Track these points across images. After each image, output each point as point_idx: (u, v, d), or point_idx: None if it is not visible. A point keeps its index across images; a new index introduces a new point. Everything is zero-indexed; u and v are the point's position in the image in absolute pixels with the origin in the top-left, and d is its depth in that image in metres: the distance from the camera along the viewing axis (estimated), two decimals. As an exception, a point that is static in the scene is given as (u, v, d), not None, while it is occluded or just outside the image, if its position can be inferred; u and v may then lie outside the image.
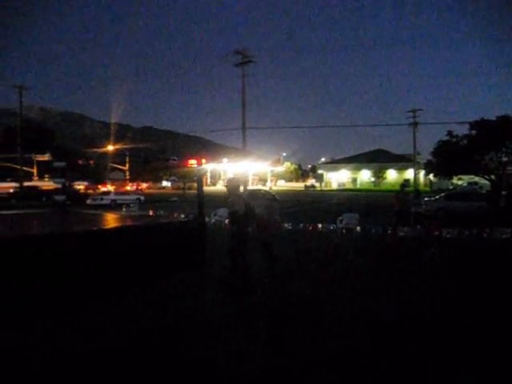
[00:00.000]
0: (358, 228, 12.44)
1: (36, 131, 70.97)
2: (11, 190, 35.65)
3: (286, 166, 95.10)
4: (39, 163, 60.97)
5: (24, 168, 48.71)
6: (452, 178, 37.66)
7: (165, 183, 72.37)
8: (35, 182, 48.62)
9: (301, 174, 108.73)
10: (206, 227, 8.44)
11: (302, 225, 13.15)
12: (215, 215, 15.02)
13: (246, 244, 5.64)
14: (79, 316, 4.91)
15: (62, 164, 10.19)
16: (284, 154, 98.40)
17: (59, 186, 10.13)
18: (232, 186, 5.79)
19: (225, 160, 73.86)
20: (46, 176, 56.93)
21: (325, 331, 4.50)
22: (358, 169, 72.39)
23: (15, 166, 50.24)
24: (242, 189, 5.34)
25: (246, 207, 5.51)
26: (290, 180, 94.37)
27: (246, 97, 31.23)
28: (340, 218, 12.92)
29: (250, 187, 40.17)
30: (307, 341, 4.21)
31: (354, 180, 73.01)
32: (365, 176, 72.48)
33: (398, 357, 3.88)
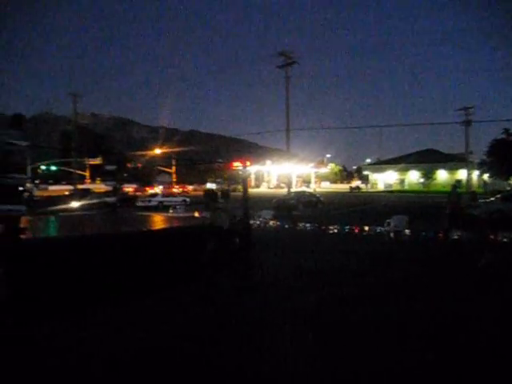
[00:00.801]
0: (407, 231, 11.97)
1: (88, 136, 74.63)
2: (67, 193, 37.58)
3: (330, 168, 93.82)
4: (91, 167, 63.96)
5: (78, 171, 51.26)
6: (509, 179, 35.53)
7: (209, 185, 73.59)
8: (88, 185, 51.05)
9: (345, 175, 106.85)
10: (251, 228, 8.43)
11: (347, 227, 12.85)
12: (259, 216, 15.03)
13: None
14: (141, 311, 5.02)
15: (113, 167, 10.56)
16: (328, 155, 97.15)
17: (110, 188, 10.50)
18: (209, 198, 5.13)
19: (268, 162, 73.98)
20: (98, 179, 59.63)
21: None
22: (406, 169, 69.90)
23: (70, 169, 52.99)
24: (219, 197, 4.82)
25: (230, 222, 4.90)
26: (335, 181, 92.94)
27: (290, 98, 31.07)
28: (388, 220, 12.50)
29: (293, 189, 39.92)
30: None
31: (402, 181, 70.63)
32: (413, 177, 69.92)
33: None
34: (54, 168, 61.03)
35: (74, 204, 22.31)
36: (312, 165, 76.07)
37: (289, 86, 30.99)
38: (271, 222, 14.32)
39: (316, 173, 79.99)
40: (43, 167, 61.72)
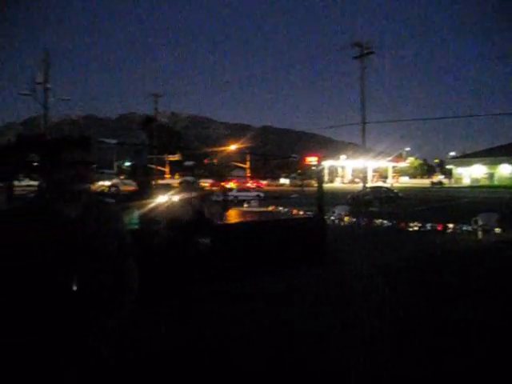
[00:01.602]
0: (498, 229, 10.99)
1: (168, 134, 78.68)
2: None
3: (409, 162, 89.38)
4: (171, 163, 67.27)
5: (158, 167, 54.27)
6: None
7: (283, 180, 73.79)
8: (167, 180, 53.79)
9: (426, 169, 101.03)
10: (326, 224, 8.29)
11: (429, 225, 12.11)
12: (334, 212, 14.74)
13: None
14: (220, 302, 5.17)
15: (191, 163, 10.96)
16: (407, 149, 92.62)
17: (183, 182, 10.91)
18: (185, 189, 4.90)
19: (342, 156, 72.36)
20: (177, 174, 62.63)
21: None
22: (497, 163, 64.05)
23: (151, 165, 56.26)
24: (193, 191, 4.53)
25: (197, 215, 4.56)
26: (414, 176, 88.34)
27: (366, 89, 30.01)
28: (475, 218, 11.58)
29: (369, 184, 38.60)
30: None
31: (491, 176, 64.89)
32: (505, 171, 63.90)
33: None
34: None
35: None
36: (389, 159, 73.00)
37: (364, 77, 29.96)
38: (346, 218, 13.96)
39: (394, 167, 76.68)
40: (127, 163, 66.27)
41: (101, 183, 45.99)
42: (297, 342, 4.08)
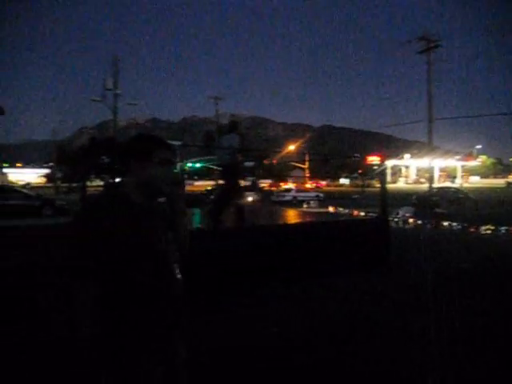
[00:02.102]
0: None
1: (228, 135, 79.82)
2: (209, 188, 41.01)
3: (480, 160, 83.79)
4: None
5: (218, 168, 55.41)
6: None
7: (343, 181, 72.33)
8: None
9: (501, 169, 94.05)
10: (389, 226, 7.96)
11: (504, 228, 11.24)
12: (398, 213, 14.17)
13: None
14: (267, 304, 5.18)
15: (251, 164, 11.05)
16: (478, 147, 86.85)
17: (249, 183, 11.05)
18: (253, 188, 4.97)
19: (406, 155, 69.45)
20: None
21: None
22: None
23: (211, 166, 57.67)
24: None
25: None
26: (486, 176, 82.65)
27: (433, 85, 28.52)
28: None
29: (435, 184, 36.71)
30: None
31: None
32: None
33: None
34: (198, 165, 67.21)
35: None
36: (458, 157, 68.92)
37: (431, 72, 28.50)
38: (411, 220, 13.35)
39: (463, 166, 72.23)
40: (189, 164, 68.34)
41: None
42: (361, 349, 3.94)
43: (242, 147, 6.98)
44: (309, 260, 6.39)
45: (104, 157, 28.02)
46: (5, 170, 69.08)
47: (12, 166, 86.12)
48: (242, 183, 7.17)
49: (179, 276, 1.69)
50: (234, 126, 7.23)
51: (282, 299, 5.44)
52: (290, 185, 42.30)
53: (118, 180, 1.70)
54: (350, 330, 4.43)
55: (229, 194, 6.60)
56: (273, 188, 41.84)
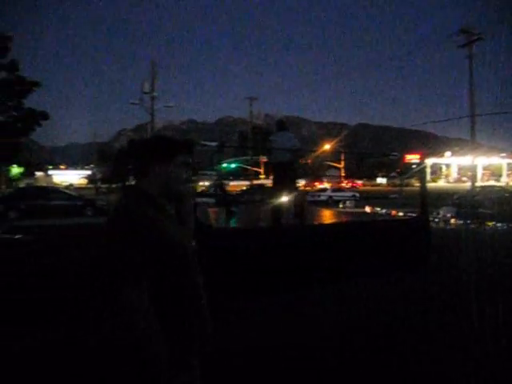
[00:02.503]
0: None
1: (262, 135, 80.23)
2: (244, 188, 41.22)
3: (527, 158, 79.55)
4: (265, 163, 68.48)
5: (253, 168, 55.72)
6: None
7: (380, 180, 70.81)
8: (263, 181, 54.94)
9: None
10: (429, 226, 7.70)
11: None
12: (439, 214, 13.70)
13: None
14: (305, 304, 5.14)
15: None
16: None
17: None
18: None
19: (447, 153, 67.12)
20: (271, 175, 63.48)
21: None
22: None
23: (246, 166, 58.00)
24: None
25: None
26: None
27: (475, 80, 27.34)
28: None
29: (479, 183, 35.24)
30: None
31: None
32: None
33: None
34: (233, 165, 67.78)
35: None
36: (503, 155, 65.80)
37: (472, 66, 27.36)
38: (453, 220, 12.87)
39: (509, 164, 68.92)
40: (224, 165, 69.03)
41: (201, 183, 48.80)
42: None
43: (247, 146, 7.14)
44: (345, 260, 6.28)
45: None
46: (50, 172, 72.35)
47: (56, 167, 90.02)
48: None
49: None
50: (282, 124, 7.17)
51: (317, 300, 5.38)
52: (326, 184, 41.87)
53: (133, 183, 1.68)
54: (388, 331, 4.31)
55: (284, 191, 6.67)
56: (307, 188, 41.54)
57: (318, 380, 3.36)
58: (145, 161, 1.63)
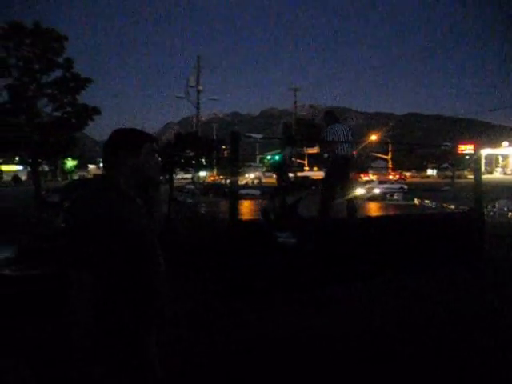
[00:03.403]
0: None
1: (307, 127, 79.41)
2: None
3: None
4: (309, 155, 67.77)
5: (297, 160, 55.30)
6: None
7: (430, 171, 68.11)
8: (306, 173, 54.47)
9: None
10: (484, 220, 7.31)
11: None
12: (495, 207, 12.97)
13: None
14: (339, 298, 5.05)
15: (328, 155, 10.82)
16: None
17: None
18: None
19: (505, 143, 63.36)
20: (316, 167, 62.91)
21: None
22: None
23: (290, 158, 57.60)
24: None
25: None
26: None
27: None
28: None
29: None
30: None
31: None
32: None
33: None
34: (277, 157, 67.60)
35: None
36: None
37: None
38: (510, 214, 12.13)
39: None
40: (269, 157, 69.09)
41: (246, 176, 49.11)
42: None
43: (292, 137, 7.05)
44: (393, 254, 6.11)
45: (188, 150, 29.37)
46: (101, 165, 75.46)
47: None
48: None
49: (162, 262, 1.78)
50: (334, 115, 6.98)
51: (363, 294, 5.27)
52: (371, 176, 40.82)
53: (103, 172, 1.73)
54: (441, 327, 4.15)
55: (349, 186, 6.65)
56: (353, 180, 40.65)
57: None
58: (112, 152, 1.69)
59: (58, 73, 16.64)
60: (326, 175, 6.85)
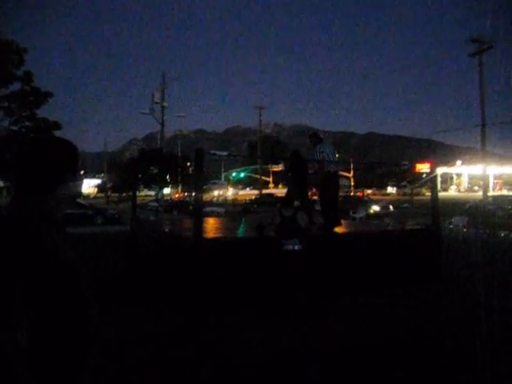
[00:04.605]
0: None
1: (271, 145, 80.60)
2: (253, 197, 41.22)
3: (540, 167, 78.45)
4: (274, 173, 68.50)
5: (262, 177, 55.75)
6: None
7: (390, 189, 70.39)
8: (271, 190, 54.98)
9: None
10: (441, 236, 7.61)
11: None
12: (450, 223, 13.54)
13: None
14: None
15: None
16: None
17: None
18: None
19: (458, 162, 66.57)
20: (280, 184, 63.64)
21: None
22: None
23: (255, 175, 58.06)
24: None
25: None
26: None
27: (485, 88, 27.12)
28: None
29: (491, 193, 34.83)
30: None
31: None
32: None
33: None
34: (242, 174, 67.94)
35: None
36: (515, 164, 65.03)
37: (483, 75, 27.17)
38: (465, 230, 12.70)
39: (521, 174, 68.03)
40: (234, 174, 69.36)
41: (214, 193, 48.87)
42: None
43: (256, 155, 7.50)
44: (352, 272, 6.22)
45: (152, 167, 28.99)
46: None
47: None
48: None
49: None
50: (317, 136, 7.48)
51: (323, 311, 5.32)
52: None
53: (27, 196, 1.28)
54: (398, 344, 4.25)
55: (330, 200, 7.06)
56: (314, 197, 41.35)
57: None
58: (53, 174, 1.30)
59: (17, 86, 16.16)
60: (319, 191, 7.41)
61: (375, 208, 22.70)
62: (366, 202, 25.61)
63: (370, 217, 20.59)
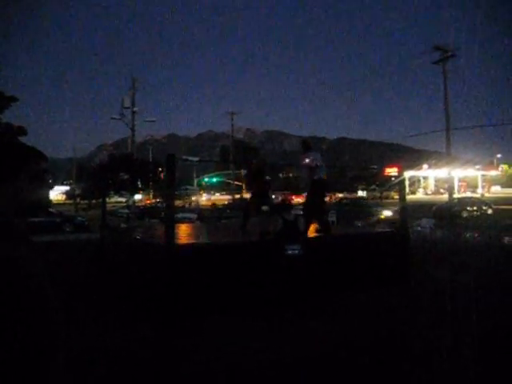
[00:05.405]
0: None
1: (243, 150, 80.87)
2: (226, 202, 41.10)
3: (501, 170, 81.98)
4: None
5: (235, 182, 55.70)
6: None
7: (360, 193, 71.71)
8: (244, 195, 54.94)
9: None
10: (409, 238, 7.81)
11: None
12: (418, 225, 13.93)
13: None
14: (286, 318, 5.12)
15: (267, 178, 11.02)
16: (498, 156, 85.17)
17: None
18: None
19: (425, 166, 68.59)
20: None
21: None
22: None
23: (228, 180, 57.99)
24: None
25: None
26: (509, 186, 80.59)
27: (449, 95, 28.17)
28: None
29: (456, 195, 36.06)
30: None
31: None
32: None
33: None
34: (214, 179, 67.74)
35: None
36: (478, 167, 67.62)
37: (446, 82, 28.20)
38: (432, 232, 13.09)
39: (484, 176, 70.77)
40: (206, 179, 69.04)
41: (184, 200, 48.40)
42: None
43: (228, 160, 7.65)
44: (322, 274, 6.28)
45: (122, 173, 28.45)
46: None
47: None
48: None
49: None
50: (308, 144, 7.59)
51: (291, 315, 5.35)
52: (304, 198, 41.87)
53: None
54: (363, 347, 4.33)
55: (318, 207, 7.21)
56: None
57: None
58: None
59: (-23, 90, 15.58)
60: (307, 197, 7.59)
61: (387, 213, 22.45)
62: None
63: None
